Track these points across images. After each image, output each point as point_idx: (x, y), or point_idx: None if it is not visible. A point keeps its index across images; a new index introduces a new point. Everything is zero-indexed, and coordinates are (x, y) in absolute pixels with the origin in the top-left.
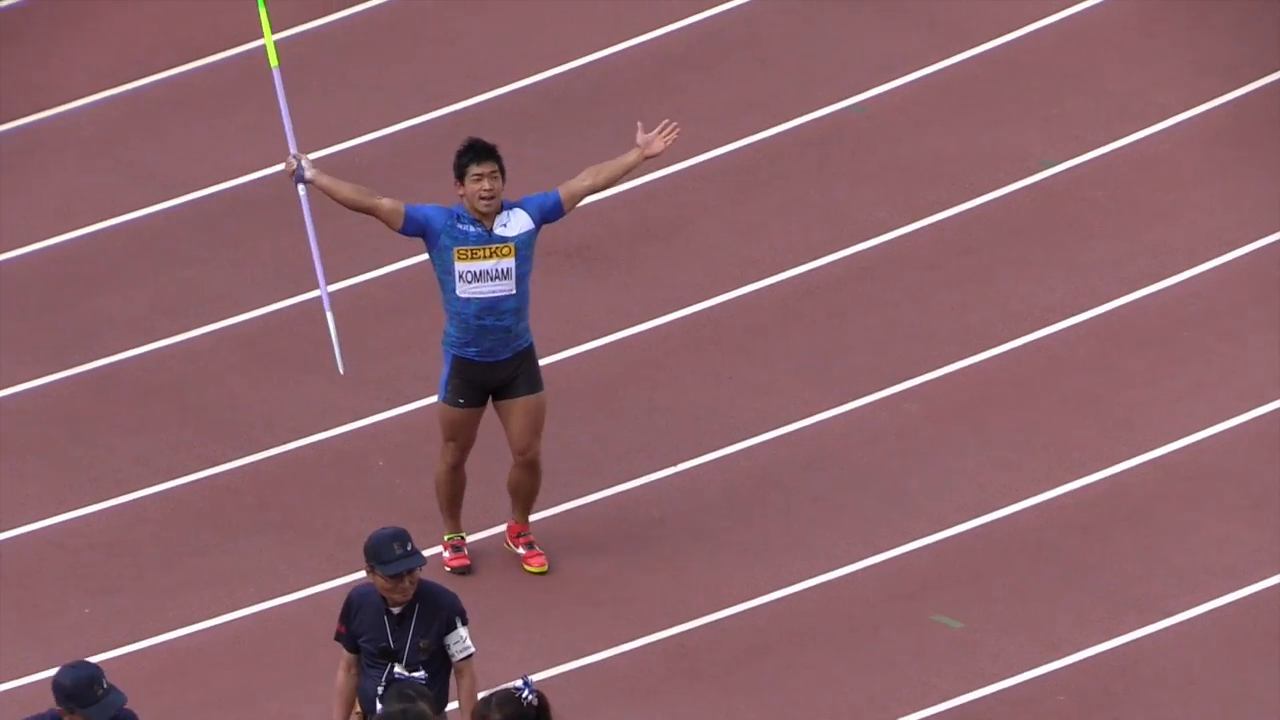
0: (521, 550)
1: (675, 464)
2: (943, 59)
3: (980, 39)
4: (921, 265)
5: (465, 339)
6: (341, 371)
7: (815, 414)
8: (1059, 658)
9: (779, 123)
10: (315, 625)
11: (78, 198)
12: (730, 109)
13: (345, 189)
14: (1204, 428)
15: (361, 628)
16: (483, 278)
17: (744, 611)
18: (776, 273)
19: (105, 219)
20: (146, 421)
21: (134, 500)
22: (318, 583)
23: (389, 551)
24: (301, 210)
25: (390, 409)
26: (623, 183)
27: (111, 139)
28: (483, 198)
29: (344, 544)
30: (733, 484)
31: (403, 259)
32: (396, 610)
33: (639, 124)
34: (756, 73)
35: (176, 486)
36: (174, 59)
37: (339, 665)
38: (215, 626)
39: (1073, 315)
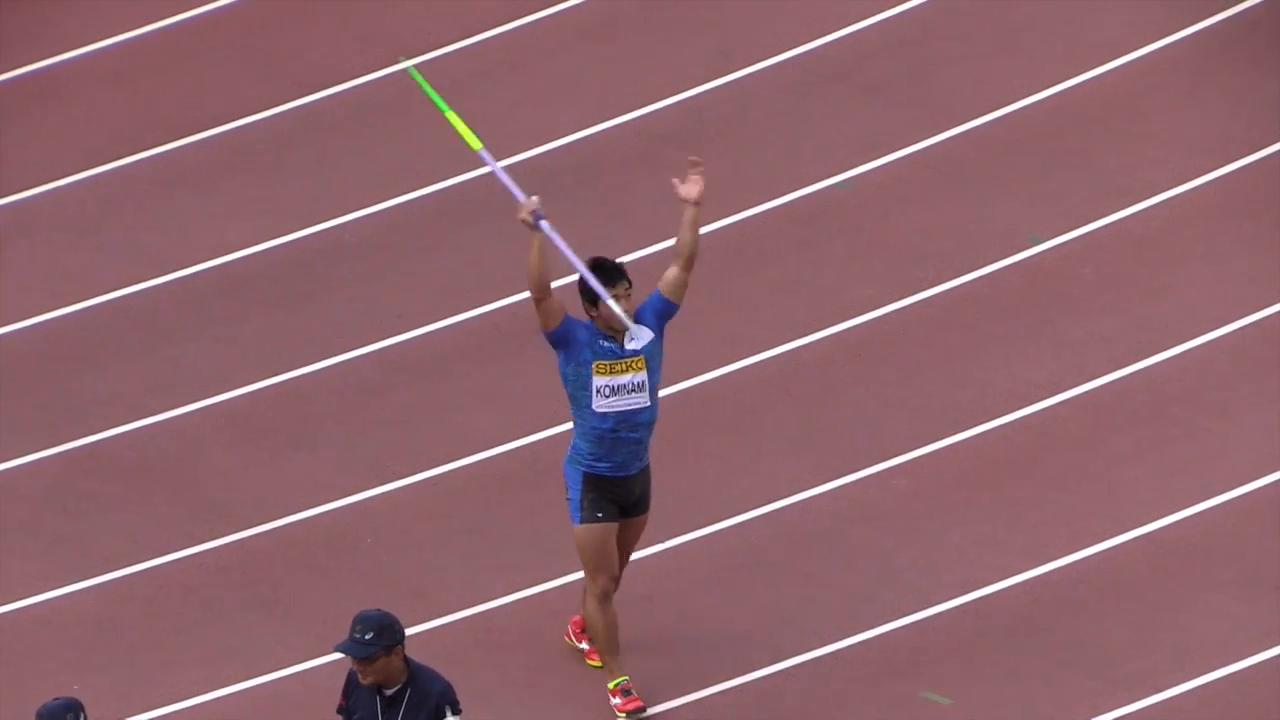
0: (586, 646)
1: (664, 541)
2: (930, 136)
3: (968, 116)
4: (910, 342)
5: (599, 453)
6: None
7: (804, 491)
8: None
9: (767, 200)
10: (303, 702)
11: (66, 275)
12: (718, 186)
13: (544, 261)
14: (1193, 504)
15: (356, 705)
16: (619, 391)
17: (732, 689)
18: (765, 350)
19: (94, 296)
20: (134, 499)
21: (122, 577)
22: (304, 660)
23: (350, 630)
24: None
25: (378, 486)
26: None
27: (100, 216)
28: (622, 320)
29: (331, 622)
30: (722, 561)
31: (390, 337)
32: (389, 692)
33: (674, 180)
34: (744, 150)
35: (164, 564)
36: (162, 136)
37: None
38: (203, 704)
39: (1061, 392)
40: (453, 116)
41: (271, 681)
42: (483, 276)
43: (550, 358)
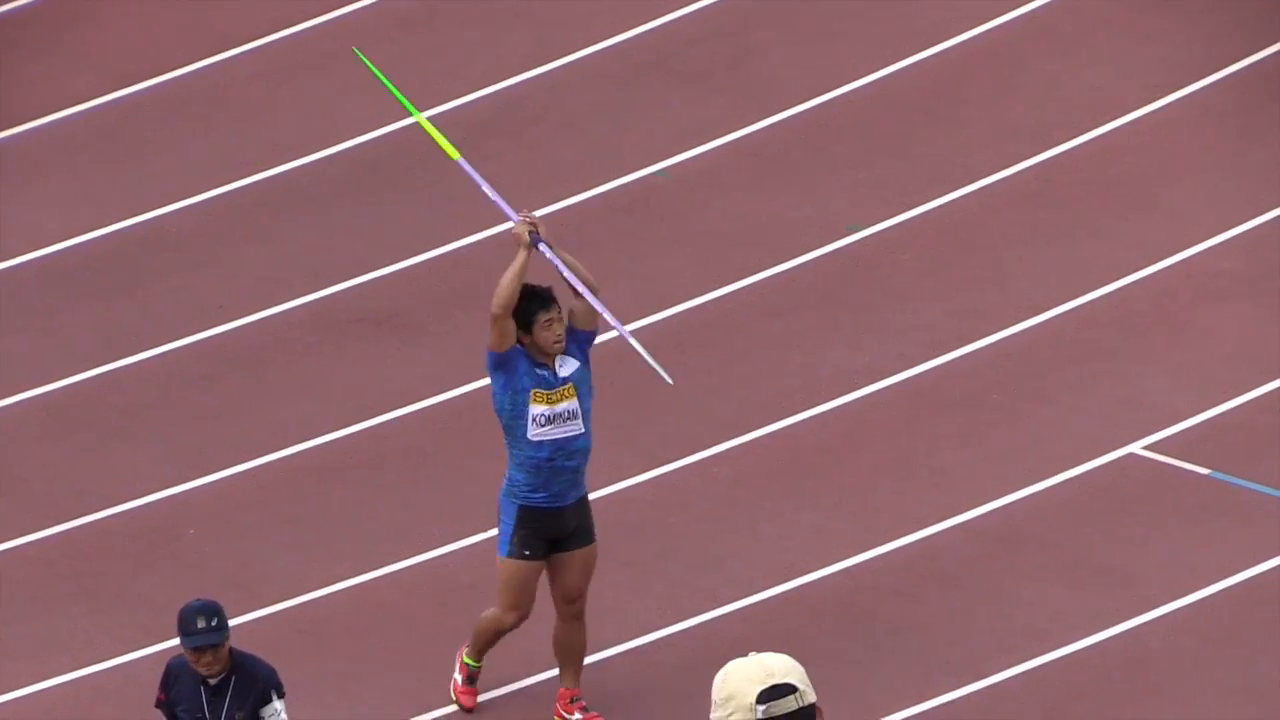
0: (579, 716)
1: (486, 530)
2: (750, 124)
3: (787, 103)
4: (731, 330)
5: (535, 483)
6: (670, 381)
7: (626, 479)
8: None
9: (587, 189)
10: (128, 694)
11: None
12: (538, 175)
13: (521, 281)
14: (1014, 490)
15: (179, 697)
16: (556, 420)
17: (553, 678)
18: None
19: None
20: None
21: None
22: (130, 651)
23: (192, 624)
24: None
25: (200, 477)
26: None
27: None
28: (555, 342)
29: (155, 612)
30: None
31: (212, 327)
32: (213, 681)
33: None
34: (564, 139)
35: None
36: None
37: None
38: (28, 695)
39: (882, 379)
40: (426, 124)
41: (96, 672)
42: (303, 267)
43: (369, 335)
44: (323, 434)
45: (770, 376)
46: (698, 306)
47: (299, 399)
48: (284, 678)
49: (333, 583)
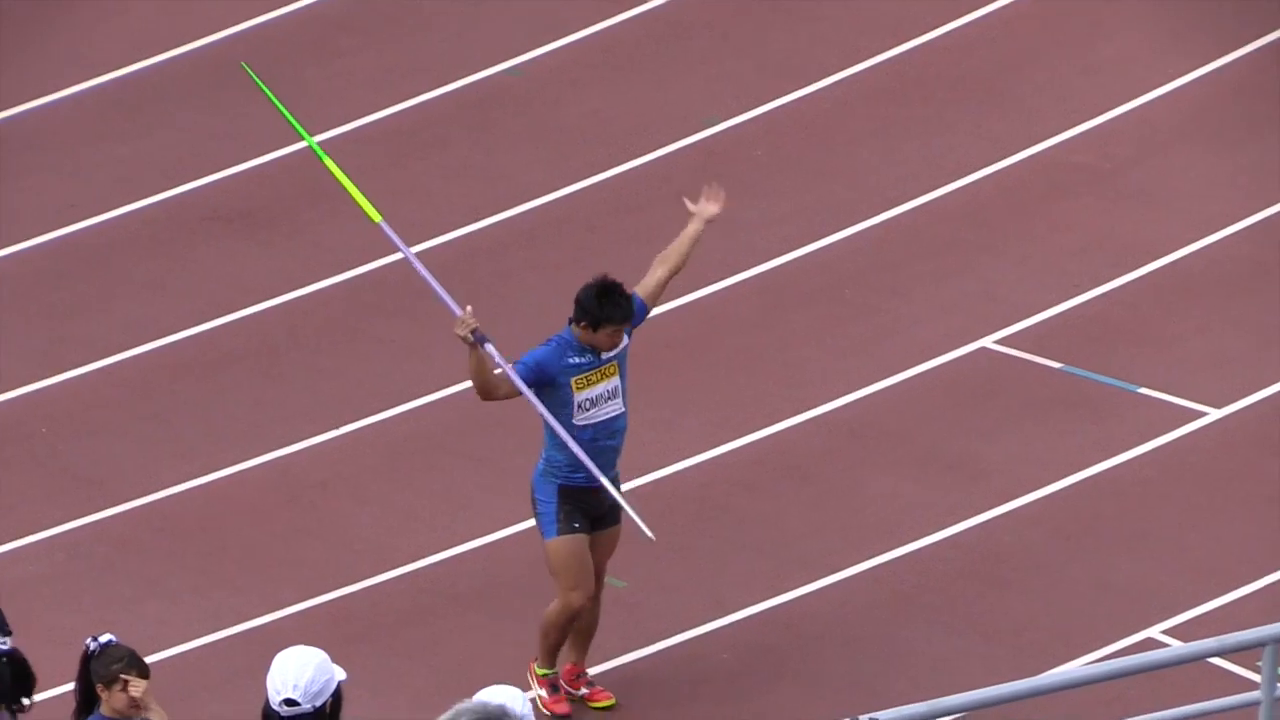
0: (585, 691)
1: (338, 427)
2: (602, 20)
3: (638, 0)
4: (581, 227)
5: (577, 463)
6: (652, 538)
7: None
8: (723, 615)
9: (438, 86)
10: None
11: None
12: (390, 73)
13: (486, 370)
14: (867, 384)
15: None
16: (598, 402)
17: (407, 574)
18: (438, 235)
19: None
20: None
21: None
22: None
23: None
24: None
25: (52, 376)
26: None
27: None
28: (613, 346)
29: (7, 511)
30: (395, 446)
31: (64, 226)
32: None
33: (685, 199)
34: (416, 37)
35: None
36: None
37: None
38: None
39: (735, 274)
40: (348, 184)
41: None
42: (155, 166)
43: (220, 233)
44: (174, 332)
45: (623, 272)
46: (550, 203)
47: (150, 297)
48: (138, 574)
49: (185, 480)
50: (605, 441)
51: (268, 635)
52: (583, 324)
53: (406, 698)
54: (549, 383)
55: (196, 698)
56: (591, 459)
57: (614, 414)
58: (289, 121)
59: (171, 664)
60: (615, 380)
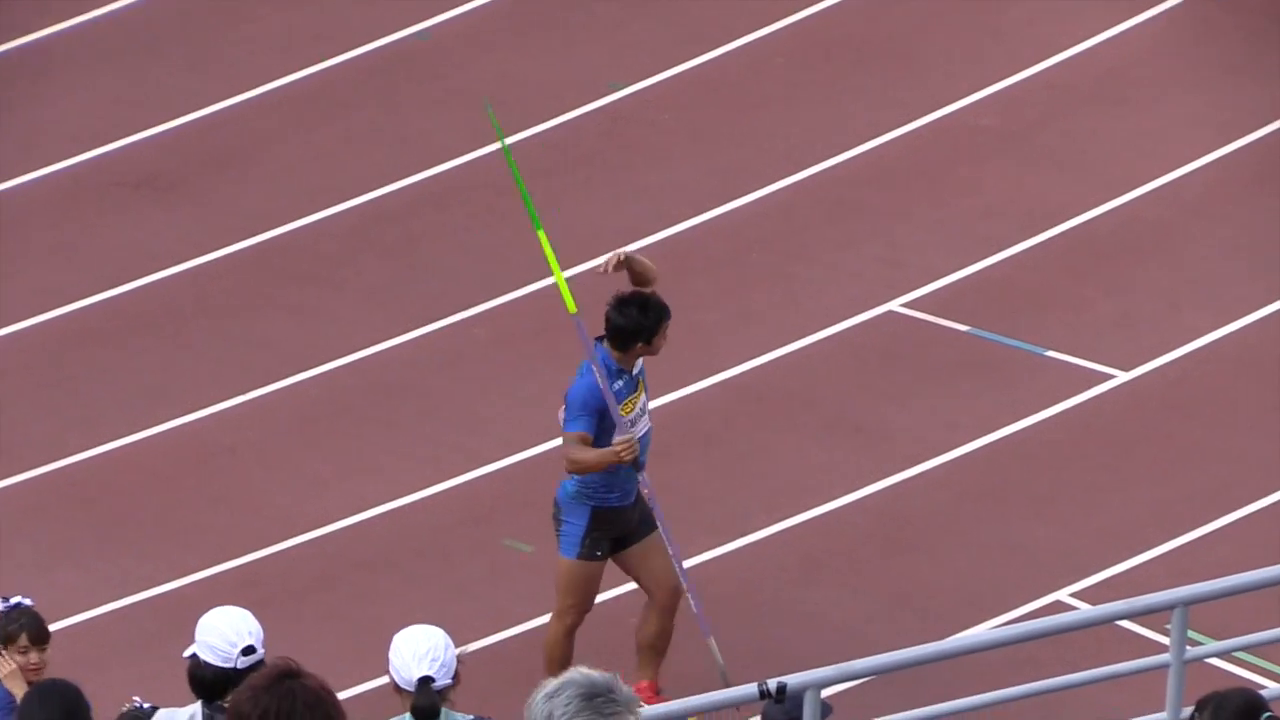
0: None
1: (245, 392)
2: None
3: None
4: (489, 191)
5: (612, 483)
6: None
7: (386, 340)
8: (630, 581)
9: (346, 50)
10: None
11: None
12: (298, 37)
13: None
14: (775, 348)
15: None
16: (637, 421)
17: (316, 539)
18: (347, 199)
19: None
20: None
21: None
22: None
23: None
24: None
25: None
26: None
27: None
28: (657, 350)
29: None
30: (304, 411)
31: None
32: None
33: (597, 269)
34: (323, 1)
35: None
36: None
37: None
38: None
39: (641, 238)
40: (556, 269)
41: None
42: (60, 132)
43: (127, 199)
44: (81, 298)
45: (530, 237)
46: (457, 167)
47: (57, 263)
48: (45, 539)
49: (93, 446)
50: (640, 457)
51: (176, 601)
52: (638, 344)
53: (316, 663)
54: (604, 420)
55: (105, 663)
56: (626, 477)
57: (644, 430)
58: (524, 199)
59: (80, 630)
60: (644, 397)
